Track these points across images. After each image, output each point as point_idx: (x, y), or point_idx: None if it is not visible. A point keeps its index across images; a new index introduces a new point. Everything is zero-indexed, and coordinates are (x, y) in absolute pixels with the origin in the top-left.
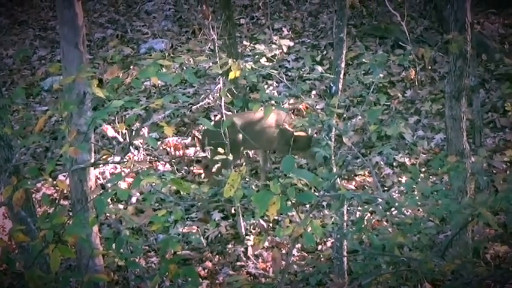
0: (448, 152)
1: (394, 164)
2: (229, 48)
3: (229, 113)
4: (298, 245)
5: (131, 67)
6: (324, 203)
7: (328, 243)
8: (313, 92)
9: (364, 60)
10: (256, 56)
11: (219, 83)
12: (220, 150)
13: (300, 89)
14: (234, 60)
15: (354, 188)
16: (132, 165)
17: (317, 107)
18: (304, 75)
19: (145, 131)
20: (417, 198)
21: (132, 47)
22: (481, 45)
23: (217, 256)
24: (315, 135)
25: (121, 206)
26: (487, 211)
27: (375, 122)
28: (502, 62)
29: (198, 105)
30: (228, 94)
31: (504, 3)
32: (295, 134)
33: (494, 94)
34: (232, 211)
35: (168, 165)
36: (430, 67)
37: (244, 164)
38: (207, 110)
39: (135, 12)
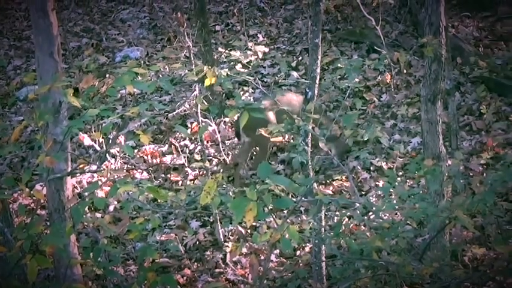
0: (424, 156)
1: (371, 168)
2: (204, 55)
3: (206, 120)
4: (277, 251)
5: (107, 76)
6: (302, 209)
7: (307, 249)
8: None
9: (339, 65)
10: (232, 63)
11: (194, 90)
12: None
13: (275, 95)
14: (210, 67)
15: (331, 193)
16: (109, 174)
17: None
18: (280, 81)
19: (121, 139)
20: (394, 202)
21: (107, 56)
22: (456, 49)
23: (195, 263)
24: (291, 140)
25: (98, 215)
26: (464, 214)
27: (351, 127)
28: (477, 65)
29: (174, 113)
30: (204, 101)
31: (478, 6)
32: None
33: (469, 97)
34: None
35: (145, 173)
36: (405, 71)
37: (221, 170)
38: (183, 118)
39: (110, 21)
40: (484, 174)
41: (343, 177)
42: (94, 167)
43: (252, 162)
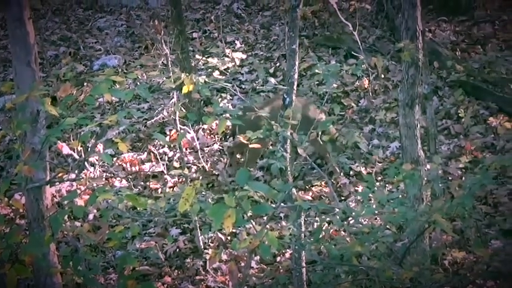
0: (403, 160)
1: (350, 173)
2: (182, 62)
3: (185, 127)
4: (257, 257)
5: (84, 84)
6: (282, 215)
7: (287, 255)
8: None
9: (317, 70)
10: (209, 70)
11: (172, 98)
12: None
13: (254, 101)
14: (187, 74)
15: (310, 198)
16: (87, 182)
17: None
18: (258, 87)
19: (100, 147)
20: (374, 206)
21: (85, 64)
22: (433, 53)
23: (176, 271)
24: (270, 147)
25: (78, 224)
26: (443, 218)
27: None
28: (454, 69)
29: (152, 121)
30: (182, 108)
31: (455, 10)
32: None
33: (447, 101)
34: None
35: (124, 181)
36: (383, 76)
37: (200, 177)
38: (161, 125)
39: (87, 29)
40: (463, 178)
41: (323, 183)
42: (73, 176)
43: (232, 168)
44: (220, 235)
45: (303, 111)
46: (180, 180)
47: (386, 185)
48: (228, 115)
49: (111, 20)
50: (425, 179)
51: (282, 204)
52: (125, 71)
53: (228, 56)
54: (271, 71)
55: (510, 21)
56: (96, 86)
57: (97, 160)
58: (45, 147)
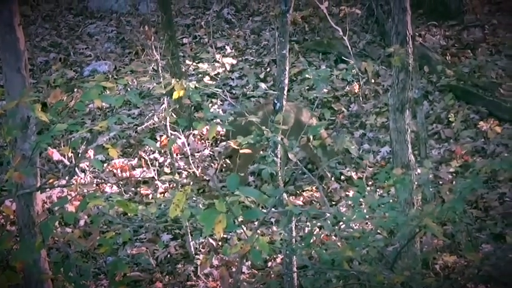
0: (393, 165)
1: (341, 178)
2: (172, 68)
3: (175, 132)
4: (248, 263)
5: (75, 90)
6: (273, 220)
7: (278, 260)
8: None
9: (307, 75)
10: (200, 75)
11: (163, 103)
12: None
13: (244, 106)
14: (178, 80)
15: (301, 203)
16: (78, 188)
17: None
18: (248, 92)
19: (91, 153)
20: (365, 211)
21: (75, 70)
22: (423, 58)
23: (167, 276)
24: (261, 152)
25: (69, 230)
26: (433, 222)
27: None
28: (444, 74)
29: (143, 126)
30: (172, 114)
31: (445, 15)
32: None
33: (437, 106)
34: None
35: (115, 187)
36: (373, 81)
37: (190, 183)
38: (152, 131)
39: (78, 35)
40: (453, 182)
41: (313, 188)
42: (63, 182)
43: (223, 174)
44: (211, 240)
45: (295, 116)
46: (170, 185)
47: (377, 190)
48: (218, 120)
49: (101, 26)
50: (416, 183)
51: (273, 209)
52: (115, 77)
53: (218, 62)
54: (262, 76)
55: (500, 26)
56: (86, 92)
57: (87, 166)
58: (35, 154)
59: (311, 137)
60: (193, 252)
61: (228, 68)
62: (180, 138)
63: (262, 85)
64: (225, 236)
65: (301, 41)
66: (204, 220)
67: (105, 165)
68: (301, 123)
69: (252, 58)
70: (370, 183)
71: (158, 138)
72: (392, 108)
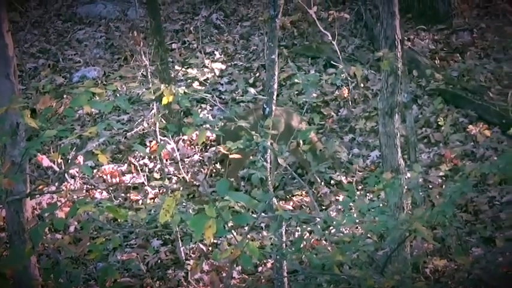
0: (383, 169)
1: (331, 182)
2: (161, 73)
3: (165, 138)
4: (239, 268)
5: (64, 96)
6: (263, 225)
7: (268, 264)
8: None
9: (296, 80)
10: (189, 80)
11: (152, 109)
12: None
13: (233, 111)
14: (167, 85)
15: (291, 208)
16: (68, 194)
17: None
18: (238, 97)
19: (80, 159)
20: (355, 216)
21: (64, 76)
22: (412, 62)
23: (157, 282)
24: (251, 157)
25: (59, 236)
26: (423, 226)
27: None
28: (433, 78)
29: (132, 132)
30: (162, 119)
31: (433, 19)
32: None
33: (427, 109)
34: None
35: (105, 193)
36: (362, 85)
37: (180, 188)
38: (142, 136)
39: (67, 41)
40: (443, 186)
41: (303, 193)
42: (53, 188)
43: (213, 179)
44: (201, 246)
45: (285, 121)
46: (160, 191)
47: (367, 194)
48: (208, 126)
49: (90, 32)
50: (406, 187)
51: (263, 214)
52: (105, 83)
53: (207, 67)
54: (251, 81)
55: (488, 29)
56: (75, 98)
57: (77, 172)
58: (25, 160)
59: (301, 142)
60: (184, 258)
61: (217, 73)
62: (169, 143)
63: (252, 90)
64: (215, 241)
65: (290, 45)
66: (194, 225)
67: (94, 171)
68: (291, 128)
69: (241, 63)
70: (360, 187)
71: (148, 144)
72: (382, 113)
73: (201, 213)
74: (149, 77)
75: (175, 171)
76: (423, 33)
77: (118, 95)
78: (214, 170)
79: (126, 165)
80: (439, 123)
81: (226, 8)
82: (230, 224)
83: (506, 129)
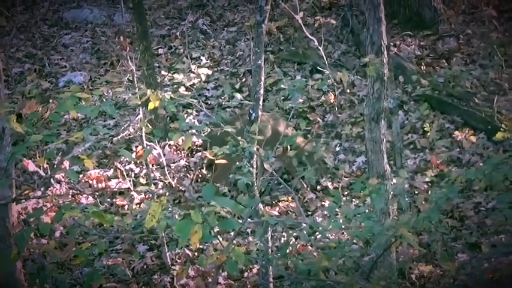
0: (369, 175)
1: (317, 188)
2: (147, 78)
3: (151, 143)
4: (224, 273)
5: (50, 101)
6: (249, 230)
7: (254, 270)
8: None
9: (282, 86)
10: (175, 86)
11: (138, 114)
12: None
13: (220, 117)
14: (153, 90)
15: (277, 213)
16: (54, 199)
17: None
18: (224, 103)
19: (66, 164)
20: (340, 221)
21: (50, 81)
22: (398, 67)
23: (143, 287)
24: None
25: (44, 241)
26: (409, 232)
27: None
28: (419, 83)
29: (118, 137)
30: (148, 124)
31: (419, 25)
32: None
33: (413, 115)
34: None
35: (90, 198)
36: (348, 91)
37: (166, 193)
38: (128, 142)
39: (53, 46)
40: (429, 192)
41: (289, 198)
42: (39, 193)
43: (199, 184)
44: (187, 251)
45: (272, 127)
46: (146, 196)
47: (353, 200)
48: (194, 131)
49: (76, 37)
50: (392, 193)
51: (249, 219)
52: (91, 88)
53: (193, 72)
54: (237, 86)
55: (474, 35)
56: (61, 102)
57: (63, 177)
58: (10, 165)
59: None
60: (170, 263)
61: (204, 78)
62: (155, 148)
63: (238, 95)
64: (201, 246)
65: (276, 51)
66: (180, 231)
67: (80, 176)
68: (278, 134)
69: (227, 68)
70: (346, 193)
71: (134, 149)
72: (368, 118)
73: (187, 219)
74: (135, 82)
75: (162, 177)
76: (409, 39)
77: (104, 100)
78: (200, 175)
79: (112, 170)
80: (425, 129)
81: (212, 14)
82: (216, 229)
83: (492, 135)
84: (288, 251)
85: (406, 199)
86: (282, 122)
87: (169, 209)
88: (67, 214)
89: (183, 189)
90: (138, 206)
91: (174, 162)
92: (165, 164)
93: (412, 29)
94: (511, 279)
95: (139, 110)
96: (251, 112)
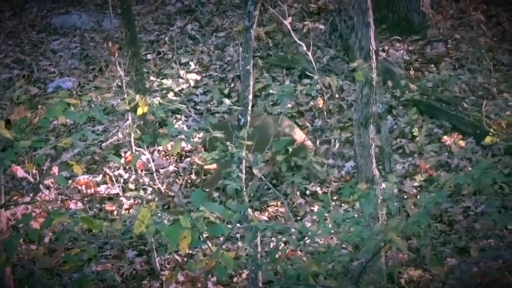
0: (358, 179)
1: (306, 193)
2: (136, 84)
3: (140, 148)
4: (214, 278)
5: (39, 107)
6: (238, 235)
7: (243, 275)
8: None
9: (271, 91)
10: (164, 91)
11: (127, 120)
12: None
13: (208, 122)
14: (142, 96)
15: (266, 218)
16: (43, 205)
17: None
18: (213, 108)
19: (55, 170)
20: (330, 226)
21: (39, 87)
22: (387, 72)
23: None
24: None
25: (33, 247)
26: (398, 236)
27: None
28: (408, 88)
29: (107, 143)
30: (137, 130)
31: (408, 30)
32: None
33: (401, 120)
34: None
35: (79, 204)
36: (337, 95)
37: (155, 199)
38: (117, 147)
39: (41, 52)
40: (418, 197)
41: (278, 203)
42: (28, 199)
43: (188, 190)
44: (176, 256)
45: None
46: (135, 202)
47: (342, 205)
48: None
49: (64, 42)
50: (381, 198)
51: (238, 224)
52: (79, 93)
53: (182, 77)
54: (226, 92)
55: (463, 40)
56: (50, 108)
57: (52, 183)
58: None
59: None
60: (159, 269)
61: (192, 83)
62: (144, 154)
63: (227, 101)
64: (190, 251)
65: (265, 56)
66: (169, 236)
67: (69, 181)
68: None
69: (216, 74)
70: (335, 198)
71: (123, 155)
72: (357, 123)
73: (176, 224)
74: (124, 87)
75: (151, 182)
76: (398, 44)
77: (93, 105)
78: (189, 181)
79: (101, 175)
80: (414, 133)
81: (201, 19)
82: (205, 234)
83: (480, 140)
84: (277, 256)
85: (395, 204)
86: (286, 121)
87: (159, 214)
88: (56, 220)
89: (172, 194)
90: (127, 211)
91: (163, 168)
92: (154, 169)
93: (401, 34)
94: (500, 283)
95: (128, 116)
96: (240, 117)
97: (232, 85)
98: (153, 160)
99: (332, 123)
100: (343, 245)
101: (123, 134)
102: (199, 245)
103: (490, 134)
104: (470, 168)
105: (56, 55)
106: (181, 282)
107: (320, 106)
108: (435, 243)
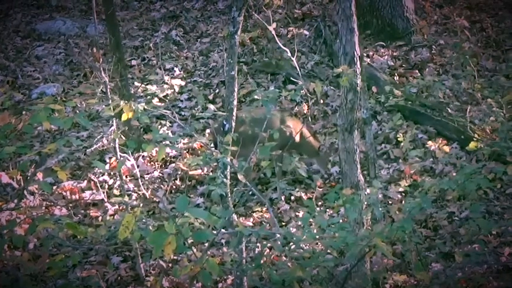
0: (343, 185)
1: (291, 198)
2: (121, 90)
3: (124, 154)
4: (199, 284)
5: (23, 113)
6: (223, 241)
7: (229, 281)
8: (207, 131)
9: (256, 96)
10: (149, 97)
11: (112, 125)
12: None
13: (193, 128)
14: (126, 101)
15: (251, 224)
16: (27, 211)
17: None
18: (197, 114)
19: (39, 176)
20: (314, 231)
21: (23, 93)
22: (372, 78)
23: None
24: (210, 173)
25: (18, 253)
26: (383, 241)
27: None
28: (392, 94)
29: (92, 148)
30: (121, 136)
31: (392, 36)
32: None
33: (386, 126)
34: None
35: (64, 210)
36: (322, 101)
37: (140, 204)
38: (101, 153)
39: (26, 58)
40: (402, 202)
41: (263, 209)
42: (12, 205)
43: (172, 195)
44: (161, 262)
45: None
46: (120, 207)
47: (327, 210)
48: (167, 142)
49: (49, 48)
50: (365, 203)
51: (223, 230)
52: (64, 99)
53: (167, 83)
54: (211, 97)
55: (447, 46)
56: (34, 114)
57: (36, 189)
58: None
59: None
60: (144, 274)
61: (177, 89)
62: (129, 160)
63: (211, 106)
64: (175, 257)
65: (249, 62)
66: (154, 242)
67: (54, 187)
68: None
69: (200, 79)
70: (319, 203)
71: (107, 160)
72: (341, 129)
73: (161, 230)
74: (109, 93)
75: (135, 188)
76: (382, 49)
77: (77, 111)
78: (174, 187)
79: (85, 181)
80: (399, 139)
81: (185, 25)
82: (190, 240)
83: (464, 145)
84: (262, 261)
85: (380, 209)
86: (291, 120)
87: (143, 220)
88: (40, 226)
89: (157, 200)
90: (112, 217)
91: (147, 174)
92: (139, 175)
93: (385, 40)
94: None
95: (112, 122)
96: (225, 123)
97: (217, 91)
98: (138, 166)
99: (316, 129)
100: (328, 250)
101: (107, 140)
102: (184, 251)
103: (475, 139)
104: (454, 174)
105: (40, 61)
106: None
107: (305, 112)
108: (420, 248)
